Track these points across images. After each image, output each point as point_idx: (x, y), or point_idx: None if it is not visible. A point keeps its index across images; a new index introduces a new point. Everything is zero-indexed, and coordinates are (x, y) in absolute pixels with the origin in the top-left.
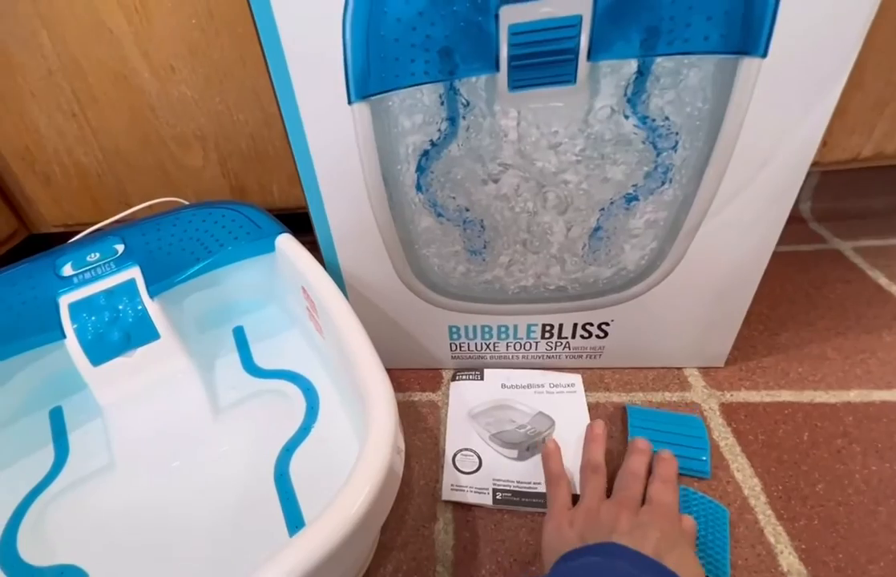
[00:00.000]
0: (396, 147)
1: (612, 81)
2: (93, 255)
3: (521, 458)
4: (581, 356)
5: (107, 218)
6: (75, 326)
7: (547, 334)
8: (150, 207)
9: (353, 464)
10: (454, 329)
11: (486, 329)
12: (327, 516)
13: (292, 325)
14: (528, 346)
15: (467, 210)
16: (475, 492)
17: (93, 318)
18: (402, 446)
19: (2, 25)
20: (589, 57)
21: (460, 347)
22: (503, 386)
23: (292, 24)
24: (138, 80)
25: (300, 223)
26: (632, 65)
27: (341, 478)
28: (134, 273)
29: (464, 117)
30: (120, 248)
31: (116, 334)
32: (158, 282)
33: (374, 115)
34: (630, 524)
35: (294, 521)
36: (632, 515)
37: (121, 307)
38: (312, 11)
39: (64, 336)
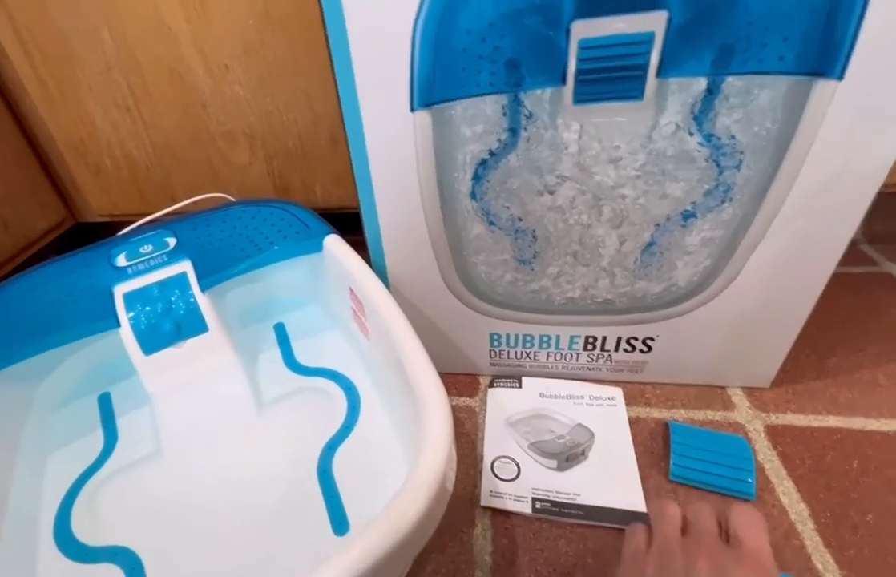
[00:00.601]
0: (454, 155)
1: (680, 99)
2: (146, 247)
3: (560, 469)
4: (622, 370)
5: (152, 209)
6: (130, 315)
7: (589, 346)
8: (197, 201)
9: (405, 473)
10: (495, 336)
11: (528, 338)
12: (378, 526)
13: (333, 324)
14: (568, 356)
15: (520, 220)
16: (514, 500)
17: (146, 308)
18: (455, 457)
19: (66, 21)
20: (658, 74)
21: (500, 354)
22: (542, 395)
23: (361, 30)
24: (192, 78)
25: (341, 223)
26: (701, 83)
27: (384, 479)
28: (185, 267)
29: (525, 129)
30: (172, 241)
31: (168, 324)
32: (209, 276)
33: (435, 122)
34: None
35: (338, 519)
36: (715, 560)
37: (173, 299)
38: (382, 19)
39: (118, 325)
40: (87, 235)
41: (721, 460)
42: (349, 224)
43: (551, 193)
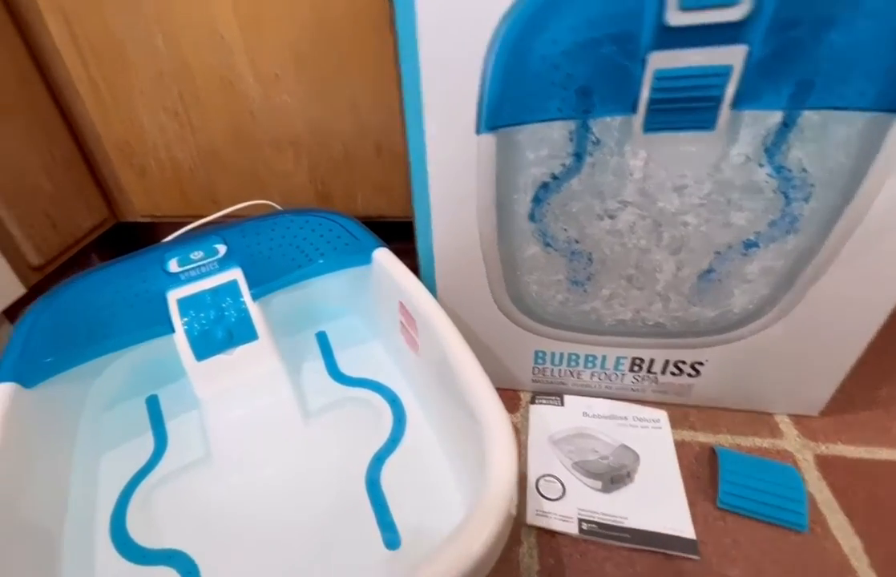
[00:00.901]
0: (516, 177)
1: (752, 131)
2: (196, 253)
3: (605, 490)
4: (667, 392)
5: (193, 212)
6: (184, 321)
7: (635, 368)
8: (244, 208)
9: (454, 489)
10: (540, 354)
11: (574, 357)
12: (447, 553)
13: (374, 335)
14: (613, 377)
15: (577, 242)
16: (560, 519)
17: (199, 315)
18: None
19: (123, 28)
20: (733, 106)
21: (543, 371)
22: (584, 414)
23: (433, 53)
24: (243, 86)
25: (380, 232)
26: (776, 116)
27: (432, 494)
28: (236, 274)
29: (590, 155)
30: (222, 248)
31: (220, 331)
32: (260, 285)
33: (500, 145)
34: None
35: (389, 532)
36: None
37: (225, 306)
38: (456, 43)
39: (173, 330)
40: (126, 234)
41: (771, 489)
42: (388, 233)
43: (611, 217)
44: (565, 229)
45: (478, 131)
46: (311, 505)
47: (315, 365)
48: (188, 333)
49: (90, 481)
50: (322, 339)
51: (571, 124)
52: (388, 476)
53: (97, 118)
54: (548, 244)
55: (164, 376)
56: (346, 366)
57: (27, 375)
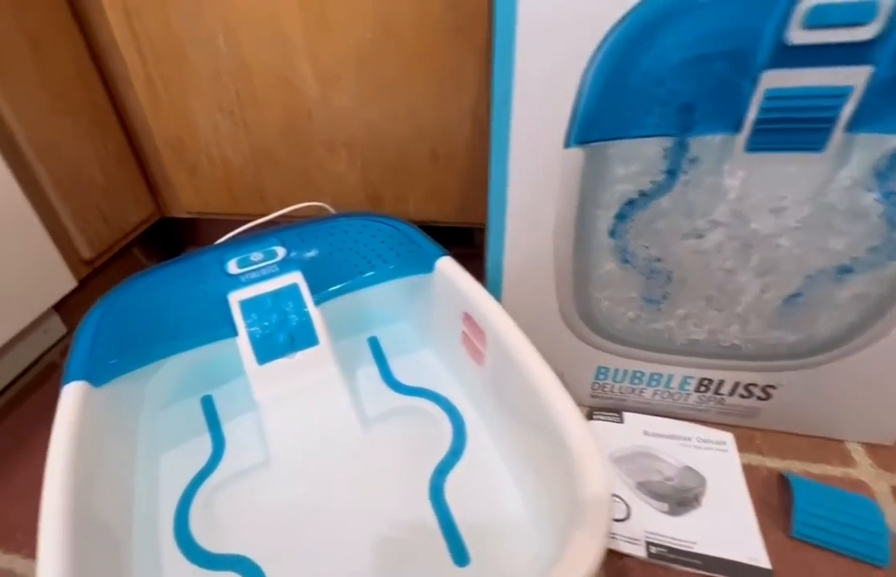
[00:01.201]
0: (601, 193)
1: (865, 155)
2: (256, 255)
3: (672, 513)
4: (732, 414)
5: (241, 210)
6: (247, 323)
7: (702, 388)
8: (298, 209)
9: (521, 509)
10: (602, 370)
11: (638, 374)
12: None
13: (427, 343)
14: (677, 396)
15: (658, 260)
16: (627, 541)
17: (262, 318)
18: None
19: (184, 27)
20: (848, 128)
21: (603, 387)
22: (645, 433)
23: (529, 62)
24: (301, 86)
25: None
26: (894, 141)
27: (497, 510)
28: (296, 278)
29: (685, 172)
30: (280, 251)
31: (282, 336)
32: (321, 290)
33: (588, 160)
34: None
35: (456, 547)
36: None
37: (287, 310)
38: (555, 53)
39: (236, 333)
40: (171, 229)
41: (849, 521)
42: (437, 240)
43: (699, 237)
44: (647, 247)
45: (566, 145)
46: (375, 515)
47: (369, 372)
48: (251, 336)
49: (152, 482)
50: (374, 345)
51: (668, 141)
52: (452, 489)
53: (150, 114)
54: (626, 261)
55: (218, 377)
56: (401, 374)
57: (96, 374)
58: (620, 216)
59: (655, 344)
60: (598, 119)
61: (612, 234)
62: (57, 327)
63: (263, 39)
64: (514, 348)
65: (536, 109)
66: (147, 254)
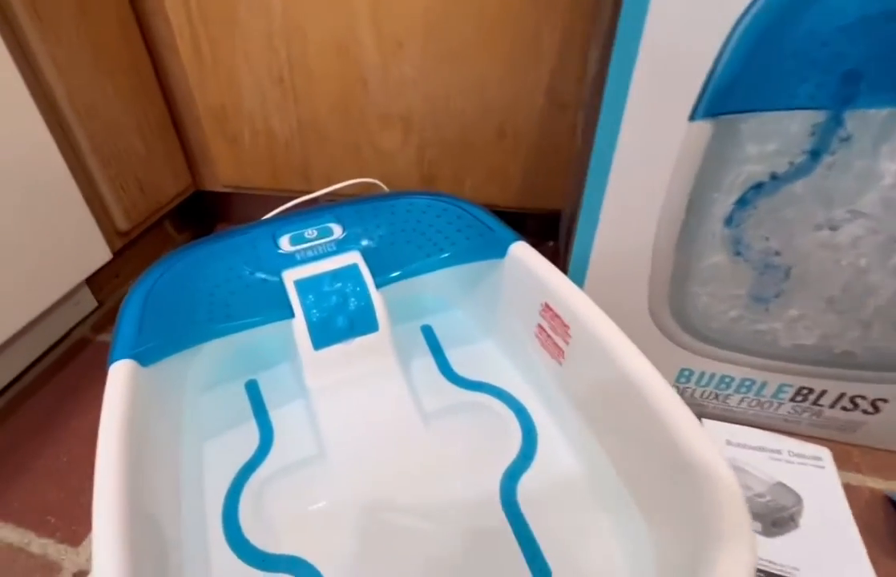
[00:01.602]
0: (723, 174)
1: None
2: (310, 231)
3: (766, 533)
4: (828, 427)
5: (282, 187)
6: (304, 305)
7: (799, 398)
8: (350, 186)
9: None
10: (686, 372)
11: (726, 379)
12: None
13: (486, 334)
14: (768, 405)
15: (777, 254)
16: None
17: (320, 300)
18: None
19: None
20: None
21: (683, 391)
22: (729, 443)
23: (664, 21)
24: (359, 53)
25: None
26: None
27: (575, 518)
28: (355, 258)
29: (832, 153)
30: (336, 229)
31: (341, 320)
32: (383, 273)
33: (716, 135)
34: None
35: (536, 560)
36: None
37: (346, 293)
38: (695, 12)
39: (292, 315)
40: (205, 203)
41: None
42: None
43: (832, 229)
44: (766, 238)
45: (692, 117)
46: (441, 520)
47: (425, 362)
48: (308, 318)
49: (196, 471)
50: (428, 333)
51: (819, 115)
52: (525, 496)
53: (194, 80)
54: (738, 254)
55: (264, 360)
56: (459, 366)
57: (144, 352)
58: (742, 202)
59: (755, 347)
60: (737, 87)
61: (729, 222)
62: (88, 300)
63: (323, 1)
64: (614, 349)
65: (662, 77)
66: (178, 228)
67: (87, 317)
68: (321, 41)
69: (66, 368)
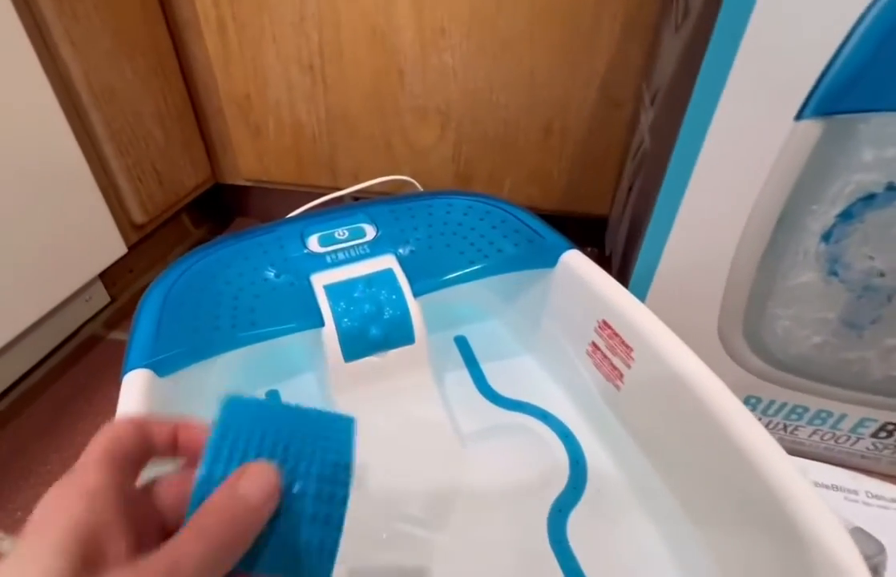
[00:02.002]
0: (829, 182)
1: None
2: (341, 231)
3: None
4: None
5: (306, 182)
6: (335, 313)
7: (883, 434)
8: (382, 183)
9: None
10: (752, 400)
11: (799, 410)
12: None
13: (526, 349)
14: (843, 439)
15: (881, 275)
16: None
17: (351, 307)
18: None
19: None
20: None
21: None
22: None
23: (773, 7)
24: (397, 40)
25: None
26: None
27: (634, 562)
28: (391, 263)
29: None
30: (370, 229)
31: (375, 330)
32: (421, 279)
33: (825, 137)
34: None
35: None
36: None
37: (381, 301)
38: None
39: (322, 323)
40: (219, 197)
41: None
42: None
43: None
44: (871, 257)
45: (799, 115)
46: (484, 559)
47: (460, 377)
48: (339, 327)
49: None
50: (463, 345)
51: None
52: (576, 534)
53: (218, 65)
54: (833, 273)
55: (287, 369)
56: (497, 382)
57: (162, 362)
58: (846, 215)
59: (839, 377)
60: (860, 84)
61: (827, 237)
62: (100, 295)
63: None
64: (692, 380)
65: (766, 71)
66: (195, 222)
67: (98, 313)
68: (356, 26)
69: (75, 366)
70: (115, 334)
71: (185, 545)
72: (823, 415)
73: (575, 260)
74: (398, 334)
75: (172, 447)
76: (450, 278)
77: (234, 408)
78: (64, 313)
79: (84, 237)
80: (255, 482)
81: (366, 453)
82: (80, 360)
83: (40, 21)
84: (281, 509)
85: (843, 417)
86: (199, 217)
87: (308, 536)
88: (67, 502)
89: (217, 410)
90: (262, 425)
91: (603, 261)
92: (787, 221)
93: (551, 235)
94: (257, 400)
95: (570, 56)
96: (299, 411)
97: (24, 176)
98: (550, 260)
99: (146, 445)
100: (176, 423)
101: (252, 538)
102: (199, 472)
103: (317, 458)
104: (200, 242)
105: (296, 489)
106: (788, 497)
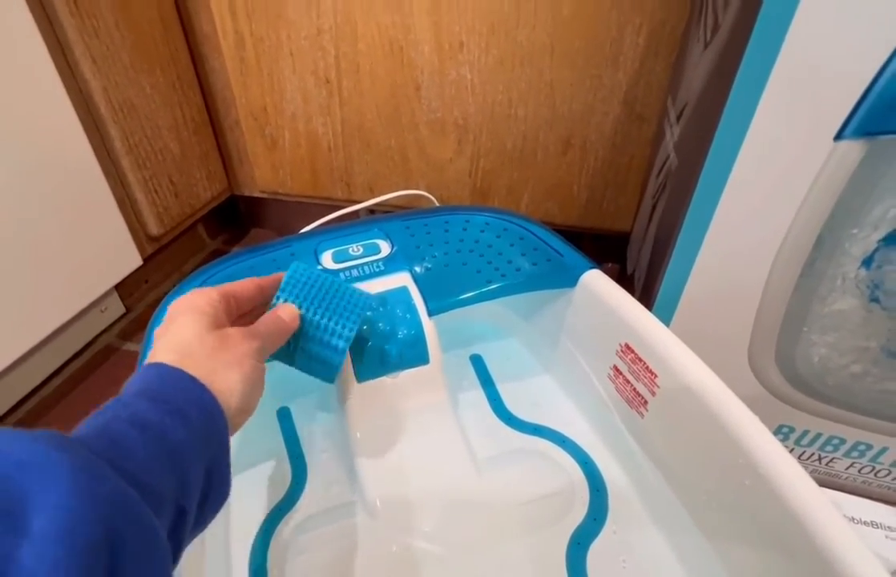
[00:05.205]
0: (871, 205)
1: None
2: (355, 247)
3: None
4: None
5: (321, 194)
6: None
7: None
8: (397, 197)
9: None
10: (785, 428)
11: (836, 441)
12: None
13: (545, 369)
14: (883, 473)
15: None
16: None
17: (365, 327)
18: None
19: None
20: None
21: None
22: None
23: (811, 23)
24: (415, 54)
25: None
26: None
27: None
28: (405, 280)
29: None
30: (384, 245)
31: (392, 349)
32: (437, 298)
33: (867, 159)
34: None
35: None
36: None
37: (396, 320)
38: (859, 12)
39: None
40: (234, 208)
41: None
42: None
43: None
44: None
45: (839, 135)
46: None
47: (475, 397)
48: (352, 347)
49: (223, 512)
50: (478, 364)
51: None
52: (597, 570)
53: (235, 78)
54: (875, 300)
55: (298, 386)
56: (514, 404)
57: None
58: (890, 240)
59: (880, 408)
60: None
61: (868, 262)
62: (116, 305)
63: None
64: (725, 414)
65: (803, 89)
66: (211, 233)
67: (114, 323)
68: (374, 39)
69: (90, 376)
70: (130, 345)
71: (255, 326)
72: (862, 447)
73: (595, 280)
74: (412, 353)
75: (257, 295)
76: (465, 298)
77: (295, 271)
78: (80, 323)
79: (101, 249)
80: (285, 311)
81: (376, 476)
82: (95, 370)
83: (62, 39)
84: (302, 331)
85: (883, 450)
86: (215, 228)
87: (317, 351)
88: (202, 298)
89: (288, 270)
90: (308, 283)
91: (624, 278)
92: (825, 244)
93: (571, 254)
94: (311, 269)
95: (592, 70)
96: (335, 282)
97: (43, 190)
98: (570, 280)
99: (236, 296)
100: (259, 281)
101: (283, 340)
102: (273, 301)
103: (332, 308)
104: (215, 253)
105: (314, 320)
106: (822, 534)
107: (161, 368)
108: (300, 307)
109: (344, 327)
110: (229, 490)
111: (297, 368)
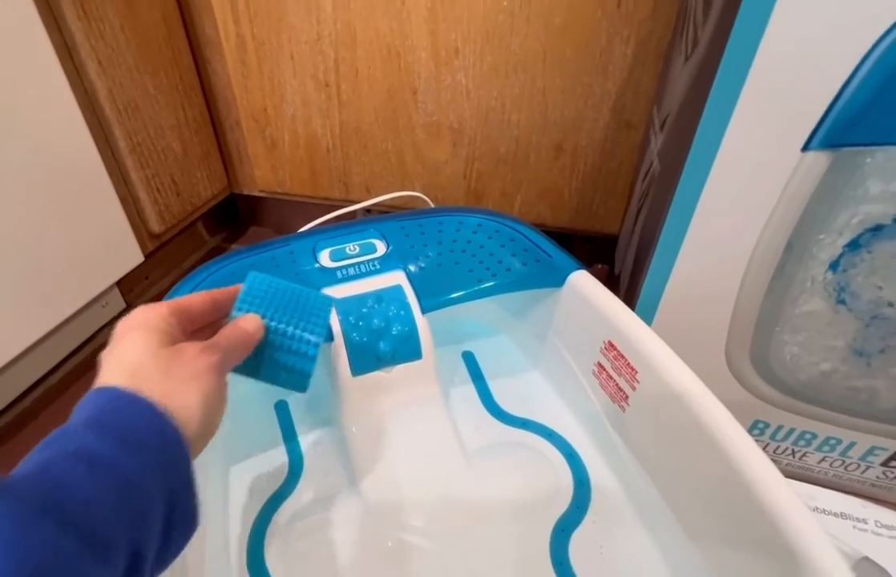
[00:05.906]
0: (836, 213)
1: None
2: (352, 246)
3: None
4: None
5: (319, 194)
6: (344, 327)
7: (893, 462)
8: (393, 198)
9: None
10: (760, 424)
11: (807, 436)
12: None
13: (534, 365)
14: (853, 467)
15: (890, 305)
16: None
17: (360, 322)
18: None
19: None
20: None
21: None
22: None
23: (785, 36)
24: (412, 59)
25: None
26: None
27: None
28: (400, 279)
29: None
30: (380, 245)
31: (383, 345)
32: (430, 296)
33: (832, 169)
34: None
35: None
36: None
37: (390, 316)
38: (828, 24)
39: (331, 338)
40: (233, 206)
41: None
42: None
43: None
44: (879, 287)
45: (806, 147)
46: (485, 573)
47: (465, 392)
48: (347, 342)
49: (221, 498)
50: (470, 360)
51: None
52: (578, 555)
53: (236, 81)
54: (842, 302)
55: None
56: (503, 399)
57: None
58: (854, 245)
59: (847, 404)
60: (867, 117)
61: (835, 266)
62: (116, 301)
63: (378, 3)
64: (697, 407)
65: (774, 101)
66: (210, 231)
67: (114, 319)
68: (372, 44)
69: (91, 371)
70: None
71: (215, 339)
72: (832, 442)
73: (582, 281)
74: (406, 349)
75: (211, 308)
76: (458, 296)
77: (253, 281)
78: (81, 318)
79: (103, 246)
80: (249, 321)
81: (369, 465)
82: (95, 365)
83: (69, 41)
84: (268, 341)
85: (852, 444)
86: (215, 226)
87: (286, 361)
88: (152, 313)
89: (245, 281)
90: (268, 292)
91: (612, 279)
92: (794, 249)
93: (559, 256)
94: (270, 278)
95: (583, 78)
96: (296, 288)
97: (47, 187)
98: (558, 280)
99: (188, 311)
100: (213, 294)
101: (247, 352)
102: (231, 313)
103: (297, 315)
104: (215, 250)
105: (279, 329)
106: (789, 527)
107: (111, 392)
108: (263, 317)
109: (312, 332)
110: (196, 525)
111: (262, 380)
